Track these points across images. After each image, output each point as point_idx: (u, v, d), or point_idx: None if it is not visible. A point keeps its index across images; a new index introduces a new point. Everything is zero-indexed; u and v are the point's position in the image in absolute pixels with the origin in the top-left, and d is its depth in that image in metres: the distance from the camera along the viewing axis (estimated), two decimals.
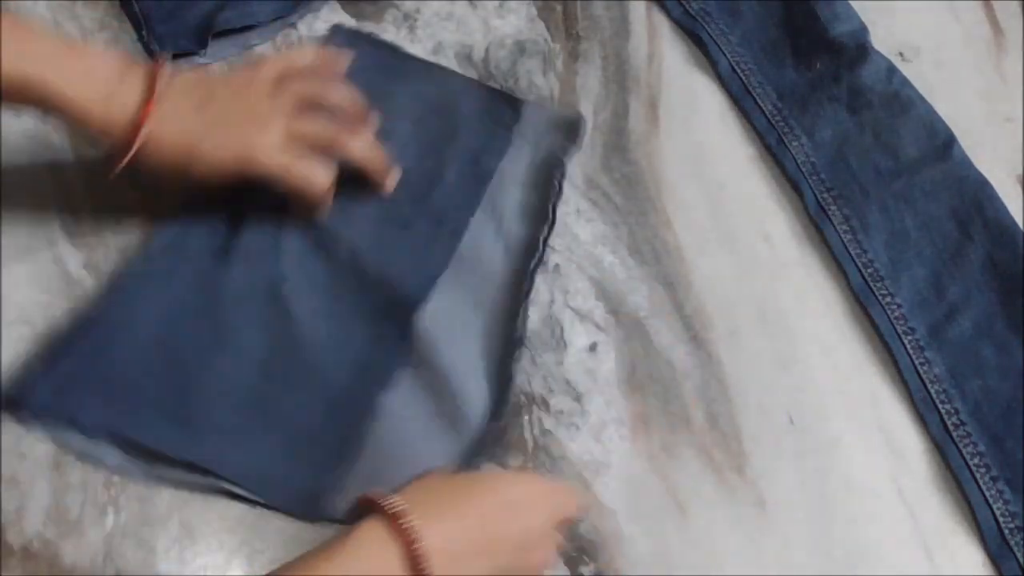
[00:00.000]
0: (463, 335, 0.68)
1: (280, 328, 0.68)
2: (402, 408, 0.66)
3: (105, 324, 0.66)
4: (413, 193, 0.73)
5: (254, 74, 0.67)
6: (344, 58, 0.72)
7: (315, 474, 0.63)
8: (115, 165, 0.63)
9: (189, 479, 0.63)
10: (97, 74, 0.62)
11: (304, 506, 0.63)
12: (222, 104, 0.65)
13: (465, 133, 0.76)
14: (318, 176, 0.67)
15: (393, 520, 0.52)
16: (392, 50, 0.79)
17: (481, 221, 0.73)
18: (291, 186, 0.66)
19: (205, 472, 0.63)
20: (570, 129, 0.76)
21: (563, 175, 0.74)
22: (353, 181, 0.71)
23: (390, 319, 0.68)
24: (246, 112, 0.65)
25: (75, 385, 0.64)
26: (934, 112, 0.77)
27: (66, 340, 0.65)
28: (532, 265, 0.71)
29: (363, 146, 0.69)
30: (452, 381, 0.66)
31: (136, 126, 0.62)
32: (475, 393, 0.66)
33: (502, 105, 0.77)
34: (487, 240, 0.72)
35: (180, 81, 0.64)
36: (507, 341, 0.68)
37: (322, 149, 0.67)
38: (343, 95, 0.69)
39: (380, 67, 0.78)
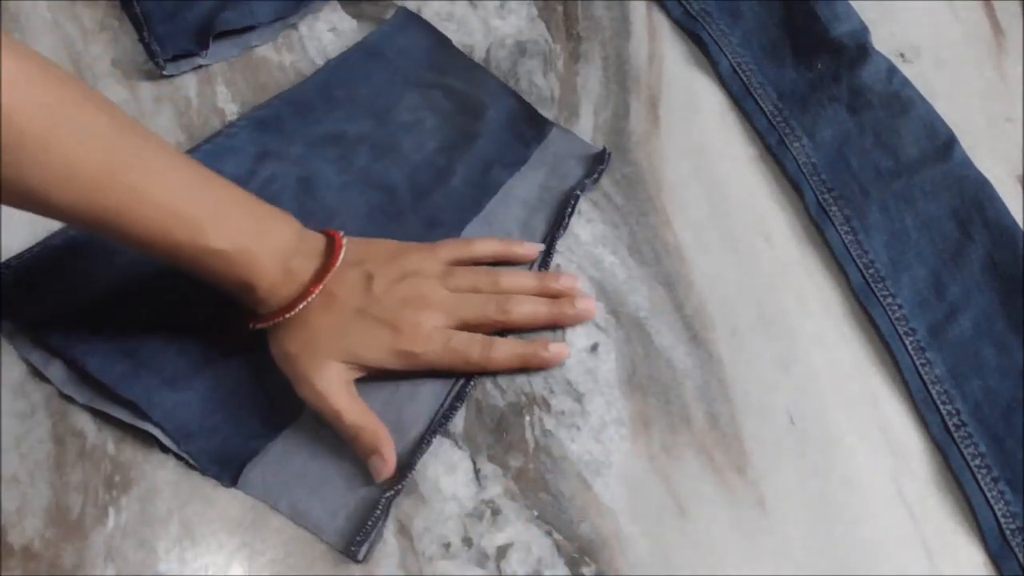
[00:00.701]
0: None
1: None
2: None
3: (83, 248, 0.67)
4: (416, 187, 0.73)
5: (428, 255, 0.67)
6: (532, 250, 0.71)
7: (240, 439, 0.64)
8: (256, 323, 0.63)
9: (126, 417, 0.64)
10: (280, 245, 0.62)
11: (221, 468, 0.63)
12: (380, 291, 0.64)
13: (484, 140, 0.75)
14: (473, 352, 0.66)
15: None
16: (443, 41, 0.79)
17: (474, 232, 0.72)
18: (447, 368, 0.66)
19: (141, 414, 0.64)
20: (592, 163, 0.75)
21: (574, 210, 0.73)
22: (365, 169, 0.72)
23: None
24: (404, 300, 0.65)
25: (41, 300, 0.66)
26: (934, 112, 0.77)
27: (41, 257, 0.67)
28: None
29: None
30: (399, 388, 0.66)
31: (302, 295, 0.62)
32: (420, 408, 0.66)
33: (529, 121, 0.77)
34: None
35: (351, 252, 0.64)
36: None
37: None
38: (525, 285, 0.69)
39: (427, 54, 0.78)
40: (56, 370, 0.65)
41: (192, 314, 0.67)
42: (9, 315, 0.66)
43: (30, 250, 0.68)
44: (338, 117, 0.75)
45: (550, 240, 0.72)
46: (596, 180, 0.74)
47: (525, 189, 0.74)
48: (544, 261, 0.71)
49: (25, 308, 0.66)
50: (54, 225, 0.68)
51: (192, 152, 0.72)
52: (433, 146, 0.75)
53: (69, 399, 0.64)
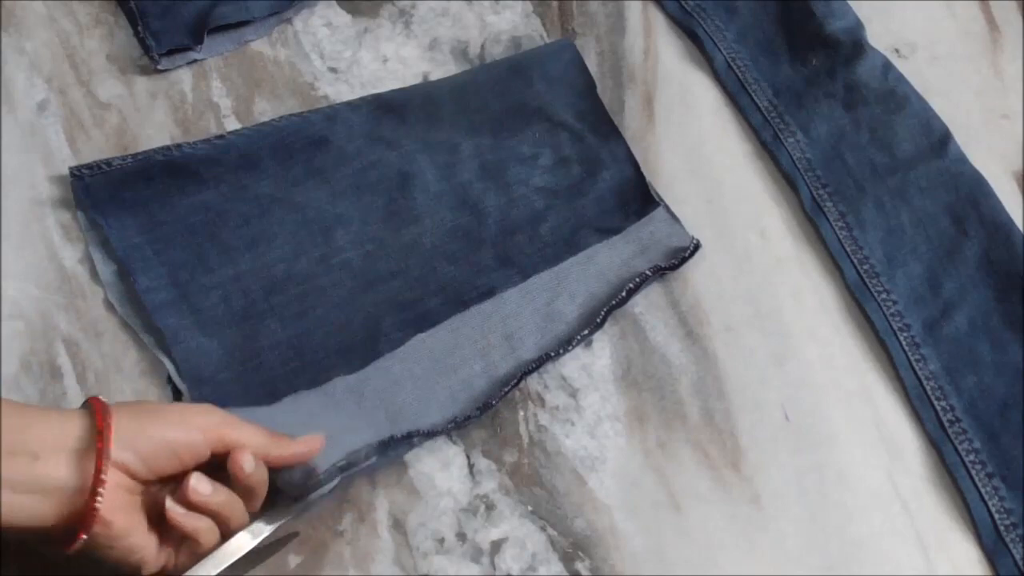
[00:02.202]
0: (444, 371, 0.67)
1: (313, 252, 0.70)
2: (336, 398, 0.66)
3: (179, 170, 0.70)
4: (505, 221, 0.72)
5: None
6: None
7: (243, 402, 0.64)
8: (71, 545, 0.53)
9: (149, 343, 0.66)
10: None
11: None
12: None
13: (588, 198, 0.73)
14: None
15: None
16: (591, 85, 0.77)
17: (538, 285, 0.70)
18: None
19: (164, 345, 0.66)
20: (678, 253, 0.71)
21: (638, 289, 0.70)
22: (466, 185, 0.72)
23: (399, 315, 0.69)
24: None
25: (123, 205, 0.69)
26: (930, 109, 0.77)
27: (141, 167, 0.70)
28: (549, 354, 0.67)
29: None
30: (401, 416, 0.65)
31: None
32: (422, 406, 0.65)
33: (638, 195, 0.73)
34: (531, 304, 0.69)
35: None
36: (477, 404, 0.66)
37: None
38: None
39: (571, 92, 0.77)
40: (109, 273, 0.68)
41: (252, 266, 0.68)
42: (91, 208, 0.69)
43: (133, 156, 0.71)
44: (460, 125, 0.75)
45: (604, 314, 0.69)
46: (676, 267, 0.71)
47: (607, 260, 0.71)
48: (591, 332, 0.68)
49: (106, 206, 0.68)
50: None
51: (309, 115, 0.73)
52: (538, 184, 0.73)
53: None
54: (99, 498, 0.52)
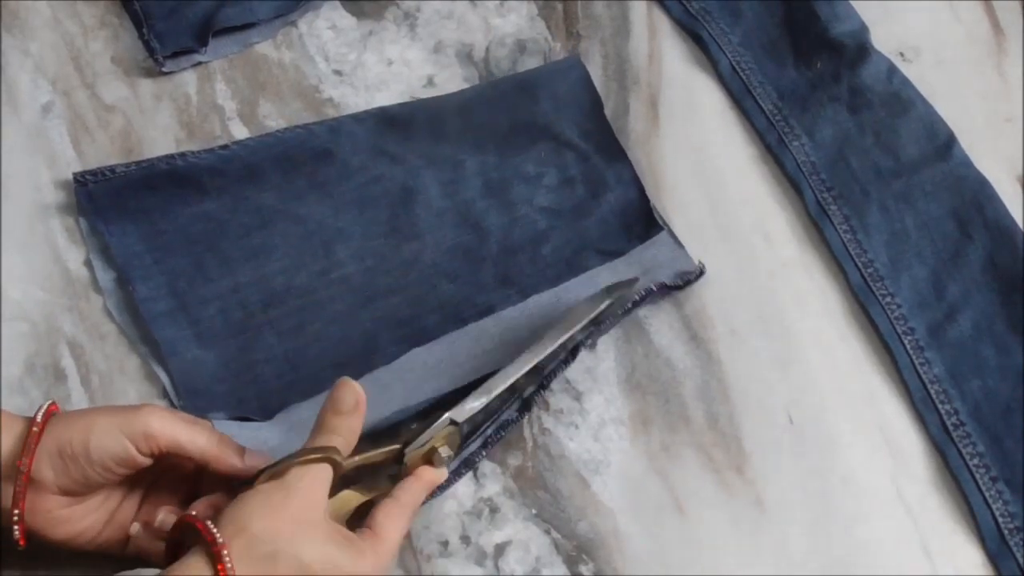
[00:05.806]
0: (435, 376, 0.66)
1: (313, 265, 0.70)
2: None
3: (183, 179, 0.70)
4: (507, 240, 0.72)
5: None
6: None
7: (236, 415, 0.64)
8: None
9: (143, 354, 0.66)
10: None
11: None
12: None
13: (592, 220, 0.73)
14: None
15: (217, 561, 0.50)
16: (598, 104, 0.76)
17: (537, 305, 0.69)
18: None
19: (159, 357, 0.65)
20: (683, 276, 0.71)
21: (635, 306, 0.69)
22: (469, 203, 0.72)
23: (396, 332, 0.68)
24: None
25: (124, 212, 0.69)
26: (934, 112, 0.77)
27: (144, 175, 0.70)
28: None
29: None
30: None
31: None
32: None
33: (642, 217, 0.73)
34: (529, 323, 0.68)
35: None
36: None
37: None
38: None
39: (578, 111, 0.76)
40: (108, 280, 0.68)
41: (251, 278, 0.68)
42: (93, 214, 0.69)
43: (137, 163, 0.70)
44: (465, 142, 0.74)
45: (595, 330, 0.68)
46: (680, 288, 0.70)
47: (608, 282, 0.69)
48: (589, 337, 0.68)
49: (108, 213, 0.68)
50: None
51: (313, 127, 0.73)
52: (542, 204, 0.73)
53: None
54: (15, 529, 0.55)
